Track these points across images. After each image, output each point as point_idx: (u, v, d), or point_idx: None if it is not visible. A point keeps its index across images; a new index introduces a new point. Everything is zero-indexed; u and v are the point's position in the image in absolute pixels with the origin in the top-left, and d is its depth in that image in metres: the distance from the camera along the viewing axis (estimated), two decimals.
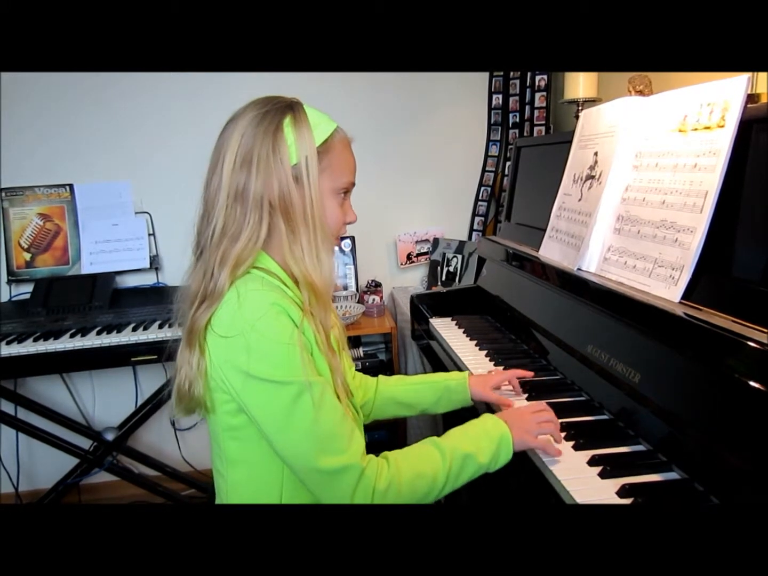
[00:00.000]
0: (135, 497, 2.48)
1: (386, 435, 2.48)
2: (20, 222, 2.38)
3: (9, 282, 2.38)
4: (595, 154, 1.32)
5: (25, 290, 2.36)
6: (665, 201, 1.06)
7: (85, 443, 2.40)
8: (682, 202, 1.01)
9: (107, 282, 2.34)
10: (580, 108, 1.86)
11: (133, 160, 2.44)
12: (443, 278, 2.51)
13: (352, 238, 2.55)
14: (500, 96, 2.51)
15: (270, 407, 0.85)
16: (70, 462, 2.37)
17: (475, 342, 1.51)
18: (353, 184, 0.98)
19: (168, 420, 2.49)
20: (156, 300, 2.29)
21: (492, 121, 2.56)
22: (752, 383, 0.75)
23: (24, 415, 2.36)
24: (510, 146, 2.41)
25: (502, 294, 1.65)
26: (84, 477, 2.41)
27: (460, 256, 2.48)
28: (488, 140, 2.58)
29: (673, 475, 0.86)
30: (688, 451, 0.86)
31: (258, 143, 0.88)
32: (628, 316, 1.03)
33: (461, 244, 2.50)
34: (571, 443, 0.97)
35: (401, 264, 2.66)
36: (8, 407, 2.33)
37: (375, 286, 2.49)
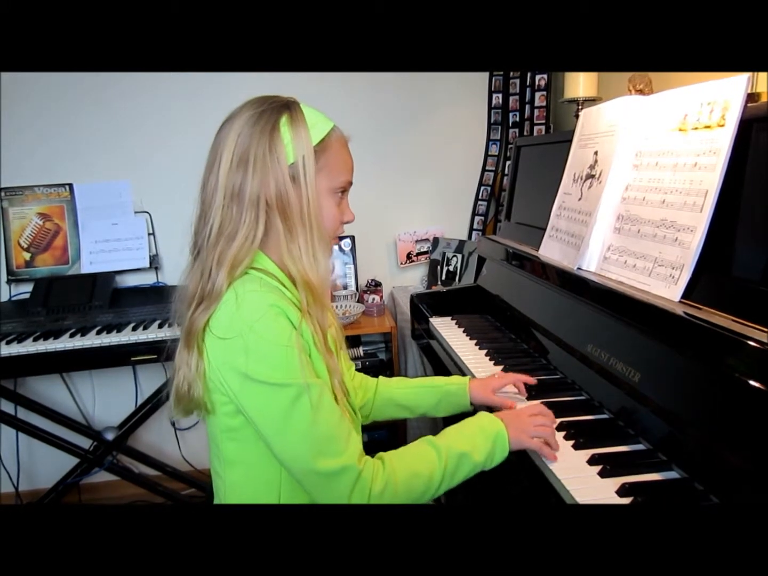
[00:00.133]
0: (135, 497, 2.48)
1: (386, 434, 2.48)
2: (20, 221, 2.38)
3: (9, 281, 2.37)
4: (595, 153, 1.32)
5: (24, 290, 2.36)
6: (665, 200, 1.06)
7: (85, 443, 2.40)
8: (682, 201, 1.01)
9: (107, 281, 2.34)
10: (580, 107, 1.86)
11: (132, 159, 2.43)
12: (443, 278, 2.51)
13: (352, 238, 2.55)
14: (500, 95, 2.51)
15: (268, 409, 0.84)
16: (70, 461, 2.38)
17: (475, 341, 1.51)
18: (351, 184, 0.98)
19: (168, 419, 2.49)
20: (156, 299, 2.29)
21: (492, 121, 2.56)
22: (752, 382, 0.75)
23: (24, 414, 2.36)
24: (510, 145, 2.41)
25: (502, 293, 1.65)
26: (84, 476, 2.41)
27: (460, 256, 2.48)
28: (488, 139, 2.58)
29: (672, 475, 0.86)
30: (688, 450, 0.86)
31: (254, 143, 0.87)
32: (628, 316, 1.03)
33: (461, 243, 2.50)
34: (571, 442, 0.97)
35: (401, 263, 2.66)
36: (8, 407, 2.33)
37: (375, 286, 2.49)
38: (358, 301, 2.47)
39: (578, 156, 1.41)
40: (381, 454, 0.92)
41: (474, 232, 2.60)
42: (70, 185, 2.40)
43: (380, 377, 1.24)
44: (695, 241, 0.96)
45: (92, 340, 2.00)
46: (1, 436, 2.44)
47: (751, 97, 0.96)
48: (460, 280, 2.43)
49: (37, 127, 2.36)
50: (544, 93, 2.29)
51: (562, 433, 0.99)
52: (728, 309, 0.89)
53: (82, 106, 2.38)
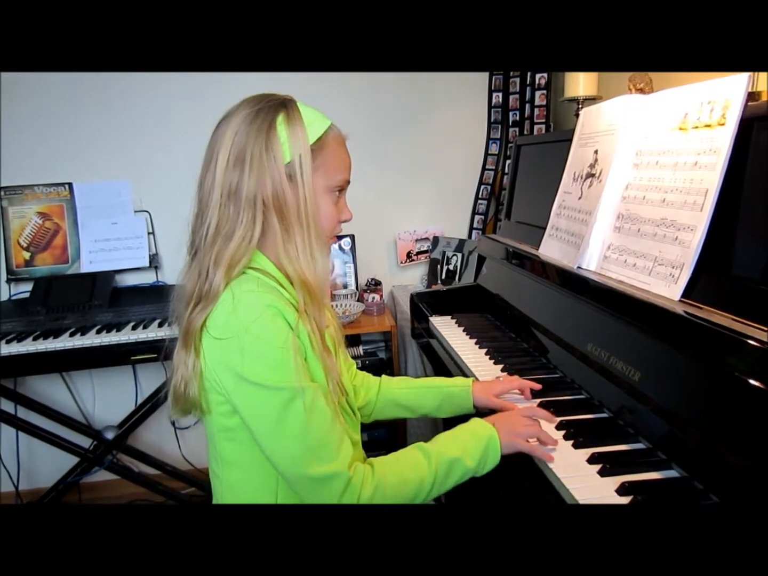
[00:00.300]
0: (135, 496, 2.48)
1: (386, 433, 2.48)
2: (19, 221, 2.38)
3: (8, 281, 2.37)
4: (596, 152, 1.32)
5: (24, 289, 2.36)
6: (665, 199, 1.06)
7: (85, 442, 2.40)
8: (682, 200, 1.01)
9: (107, 281, 2.34)
10: (580, 106, 1.86)
11: (132, 159, 2.43)
12: (443, 277, 2.51)
13: (352, 237, 2.55)
14: (500, 94, 2.51)
15: (261, 411, 0.84)
16: (70, 461, 2.38)
17: (475, 340, 1.51)
18: (348, 182, 0.97)
19: (168, 419, 2.49)
20: (155, 299, 2.29)
21: (492, 120, 2.56)
22: (752, 381, 0.75)
23: (24, 414, 2.36)
24: (510, 144, 2.40)
25: (502, 292, 1.65)
26: (84, 476, 2.41)
27: (459, 255, 2.48)
28: (488, 138, 2.58)
29: (672, 473, 0.86)
30: (687, 449, 0.86)
31: (251, 141, 0.87)
32: (628, 315, 1.03)
33: (461, 242, 2.50)
34: (571, 441, 0.97)
35: (401, 262, 2.66)
36: (8, 406, 2.34)
37: (375, 285, 2.49)
38: (358, 300, 2.47)
39: (578, 155, 1.41)
40: (371, 459, 0.92)
41: (474, 231, 2.60)
42: (70, 184, 2.40)
43: (383, 376, 1.23)
44: (695, 240, 0.96)
45: (92, 339, 2.00)
46: (1, 435, 2.44)
47: (752, 95, 0.96)
48: (460, 279, 2.43)
49: (37, 127, 2.36)
50: (545, 92, 2.29)
51: (562, 432, 0.99)
52: (728, 308, 0.89)
53: (82, 105, 2.37)
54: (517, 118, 2.45)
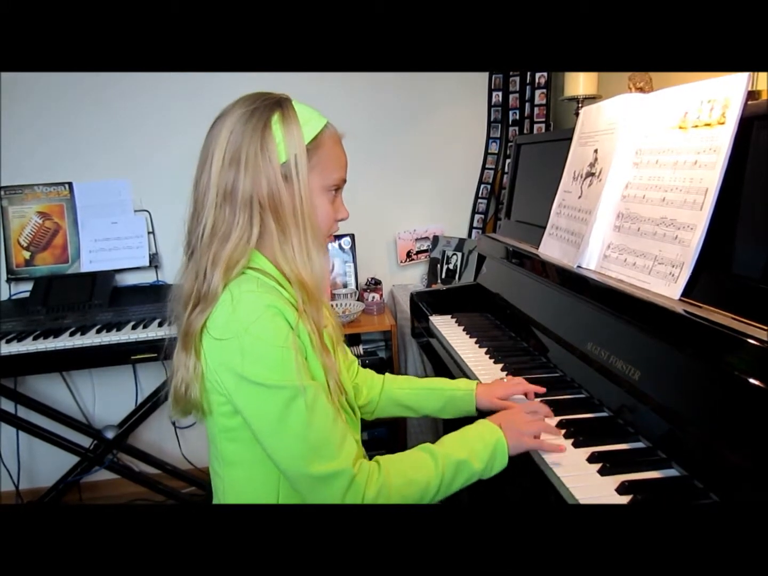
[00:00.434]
0: (135, 495, 2.48)
1: (386, 432, 2.48)
2: (19, 220, 2.38)
3: (8, 280, 2.37)
4: (595, 151, 1.32)
5: (24, 288, 2.36)
6: (665, 198, 1.06)
7: (85, 441, 2.40)
8: (682, 199, 1.01)
9: (107, 280, 2.34)
10: (580, 105, 1.86)
11: (132, 158, 2.43)
12: (443, 276, 2.51)
13: (352, 236, 2.55)
14: (500, 93, 2.51)
15: (263, 411, 0.84)
16: (70, 460, 2.38)
17: (474, 339, 1.51)
18: (344, 181, 0.97)
19: (168, 418, 2.49)
20: (156, 298, 2.29)
21: (492, 119, 2.56)
22: (752, 380, 0.75)
23: (24, 413, 2.36)
24: (510, 143, 2.40)
25: (502, 291, 1.65)
26: (84, 475, 2.41)
27: (459, 254, 2.48)
28: (488, 138, 2.58)
29: (672, 472, 0.86)
30: (687, 448, 0.86)
31: (246, 141, 0.87)
32: (628, 314, 1.03)
33: (461, 241, 2.50)
34: (571, 440, 0.97)
35: (401, 262, 2.66)
36: (8, 406, 2.34)
37: (375, 284, 2.50)
38: (358, 300, 2.47)
39: (578, 154, 1.41)
40: (378, 458, 0.91)
41: (474, 231, 2.60)
42: (70, 184, 2.40)
43: (386, 374, 1.23)
44: (695, 239, 0.97)
45: (92, 338, 2.00)
46: (2, 434, 2.44)
47: (752, 94, 0.96)
48: (459, 278, 2.43)
49: (37, 126, 2.36)
50: (544, 91, 2.29)
51: (562, 431, 0.99)
52: (728, 307, 0.89)
53: (82, 105, 2.37)
54: (517, 117, 2.45)
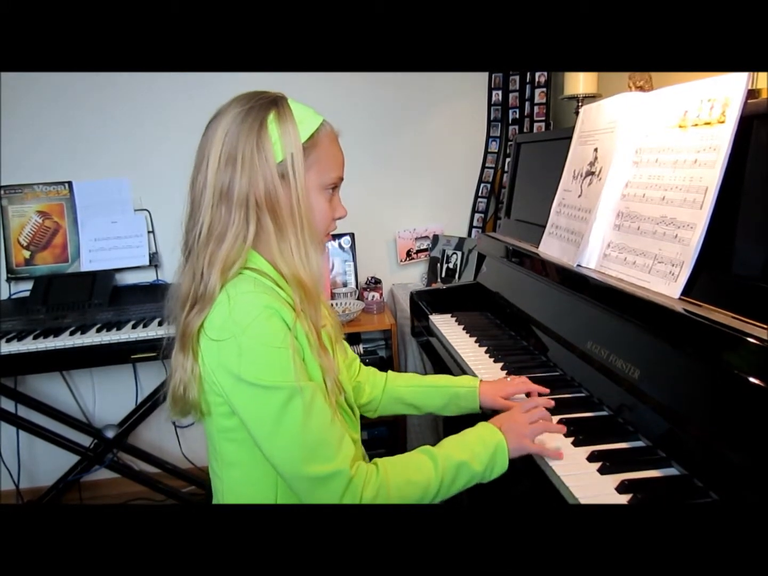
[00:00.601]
0: (135, 494, 2.48)
1: (386, 431, 2.48)
2: (19, 219, 2.38)
3: (8, 280, 2.37)
4: (595, 150, 1.32)
5: (24, 288, 2.36)
6: (665, 197, 1.06)
7: (85, 440, 2.40)
8: (682, 198, 1.01)
9: (107, 279, 2.34)
10: (580, 104, 1.86)
11: (132, 157, 2.43)
12: (443, 275, 2.51)
13: (352, 235, 2.55)
14: (500, 92, 2.51)
15: (259, 412, 0.84)
16: (70, 459, 2.38)
17: (474, 338, 1.51)
18: (341, 179, 0.96)
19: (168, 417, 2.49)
20: (156, 297, 2.28)
21: (492, 118, 2.56)
22: (752, 379, 0.75)
23: (24, 412, 2.36)
24: (510, 142, 2.40)
25: (502, 290, 1.65)
26: (85, 474, 2.41)
27: (459, 253, 2.48)
28: (488, 137, 2.58)
29: (672, 471, 0.86)
30: (687, 447, 0.86)
31: (242, 141, 0.86)
32: (628, 313, 1.03)
33: (461, 240, 2.50)
34: (571, 439, 0.97)
35: (401, 261, 2.66)
36: (8, 405, 2.34)
37: (375, 283, 2.50)
38: (357, 299, 2.47)
39: (578, 153, 1.41)
40: (377, 460, 0.91)
41: (474, 230, 2.60)
42: (70, 183, 2.40)
43: (389, 372, 1.23)
44: (695, 238, 0.97)
45: (92, 338, 2.00)
46: (2, 434, 2.44)
47: (752, 93, 0.96)
48: (459, 277, 2.43)
49: (37, 125, 2.36)
50: (544, 90, 2.29)
51: (564, 429, 0.99)
52: (728, 306, 0.89)
53: (82, 104, 2.37)
54: (517, 116, 2.45)
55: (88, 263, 2.38)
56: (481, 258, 1.88)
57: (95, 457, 2.34)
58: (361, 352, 2.48)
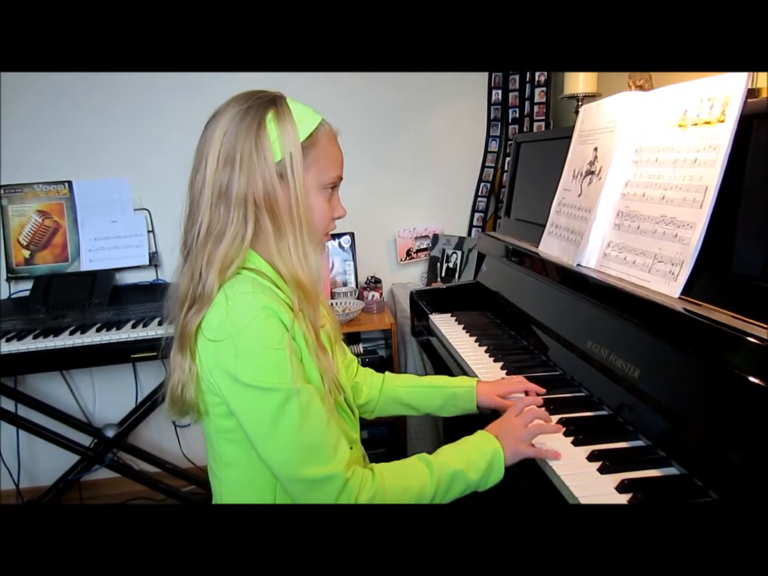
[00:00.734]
0: (135, 494, 2.49)
1: (386, 431, 2.49)
2: (19, 219, 2.38)
3: (8, 279, 2.37)
4: (595, 149, 1.32)
5: (24, 287, 2.36)
6: (665, 196, 1.06)
7: (85, 440, 2.40)
8: (682, 197, 1.01)
9: (107, 279, 2.34)
10: (579, 103, 1.86)
11: (132, 157, 2.43)
12: (443, 274, 2.51)
13: (352, 235, 2.55)
14: (500, 92, 2.51)
15: (256, 413, 0.83)
16: (70, 459, 2.38)
17: (474, 338, 1.51)
18: (341, 179, 0.96)
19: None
20: (155, 297, 2.28)
21: (491, 117, 2.56)
22: (752, 379, 0.75)
23: (24, 412, 2.36)
24: (510, 142, 2.40)
25: (502, 290, 1.65)
26: (85, 474, 2.42)
27: (459, 252, 2.48)
28: (488, 136, 2.58)
29: (672, 471, 0.86)
30: (687, 446, 0.86)
31: (241, 140, 0.86)
32: (628, 312, 1.03)
33: (461, 240, 2.50)
34: (571, 439, 0.97)
35: (401, 260, 2.66)
36: (8, 404, 2.34)
37: (374, 283, 2.50)
38: (357, 298, 2.47)
39: (578, 152, 1.41)
40: (373, 465, 0.91)
41: (474, 229, 2.60)
42: (70, 183, 2.40)
43: (386, 373, 1.22)
44: (695, 237, 0.97)
45: (92, 337, 2.00)
46: (2, 433, 2.44)
47: (752, 92, 0.96)
48: (459, 276, 2.43)
49: (37, 125, 2.36)
50: (544, 89, 2.29)
51: (562, 429, 0.99)
52: (728, 305, 0.89)
53: (81, 104, 2.37)
54: (517, 115, 2.45)
55: (88, 263, 2.38)
56: (481, 257, 1.88)
57: (95, 457, 2.34)
58: (361, 351, 2.48)
